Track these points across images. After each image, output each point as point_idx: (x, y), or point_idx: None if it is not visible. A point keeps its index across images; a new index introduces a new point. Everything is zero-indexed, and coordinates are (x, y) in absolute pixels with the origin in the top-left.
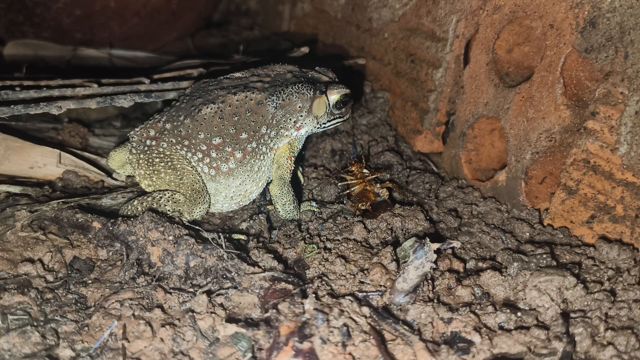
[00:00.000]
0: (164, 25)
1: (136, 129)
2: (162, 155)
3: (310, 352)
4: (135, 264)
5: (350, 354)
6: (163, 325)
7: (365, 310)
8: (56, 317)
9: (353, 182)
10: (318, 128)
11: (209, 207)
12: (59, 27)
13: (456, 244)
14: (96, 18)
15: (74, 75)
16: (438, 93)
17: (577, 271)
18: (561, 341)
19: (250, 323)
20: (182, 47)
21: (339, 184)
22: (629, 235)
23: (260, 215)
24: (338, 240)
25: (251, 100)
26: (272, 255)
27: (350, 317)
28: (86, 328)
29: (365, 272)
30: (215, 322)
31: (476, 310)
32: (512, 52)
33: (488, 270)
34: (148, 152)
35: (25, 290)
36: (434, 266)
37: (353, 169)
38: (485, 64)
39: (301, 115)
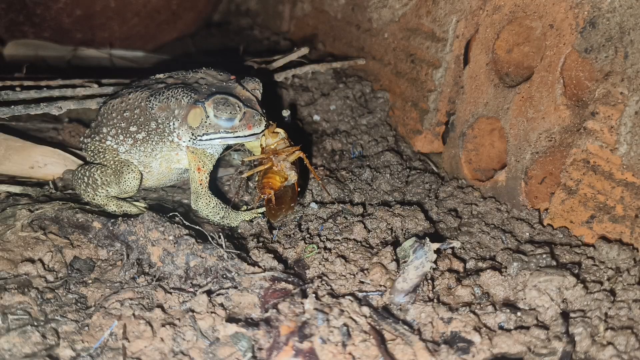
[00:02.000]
0: (164, 25)
1: (84, 134)
2: (93, 149)
3: (310, 351)
4: (135, 263)
5: (350, 353)
6: (163, 325)
7: (365, 310)
8: (56, 317)
9: (260, 160)
10: (194, 141)
11: (140, 178)
12: (59, 27)
13: (456, 244)
14: (96, 18)
15: (74, 75)
16: (438, 93)
17: (576, 271)
18: (561, 341)
19: (251, 323)
20: (182, 47)
21: (244, 160)
22: (629, 235)
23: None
24: (338, 240)
25: (140, 99)
26: (272, 255)
27: (350, 317)
28: (86, 328)
29: (365, 272)
30: (215, 322)
31: (476, 310)
32: (512, 52)
33: (488, 270)
34: (87, 149)
35: (26, 290)
36: (434, 266)
37: (264, 141)
38: (485, 64)
39: (175, 122)
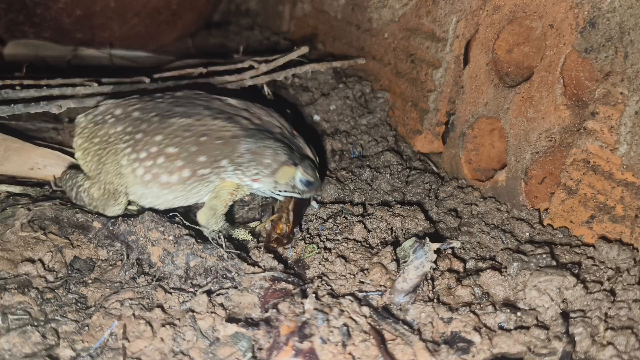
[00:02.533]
0: (164, 25)
1: (108, 101)
2: (105, 138)
3: (310, 351)
4: (135, 263)
5: (350, 353)
6: (163, 325)
7: (365, 310)
8: (56, 317)
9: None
10: (271, 192)
11: (123, 209)
12: (60, 27)
13: (456, 243)
14: (96, 18)
15: (74, 75)
16: (438, 93)
17: (576, 271)
18: (561, 341)
19: (251, 323)
20: (182, 47)
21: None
22: (629, 235)
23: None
24: (338, 240)
25: (228, 131)
26: (272, 255)
27: (350, 317)
28: (86, 328)
29: (365, 272)
30: (215, 322)
31: (476, 310)
32: (512, 52)
33: (488, 270)
34: (100, 125)
35: (26, 290)
36: (434, 266)
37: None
38: (485, 64)
39: (264, 172)
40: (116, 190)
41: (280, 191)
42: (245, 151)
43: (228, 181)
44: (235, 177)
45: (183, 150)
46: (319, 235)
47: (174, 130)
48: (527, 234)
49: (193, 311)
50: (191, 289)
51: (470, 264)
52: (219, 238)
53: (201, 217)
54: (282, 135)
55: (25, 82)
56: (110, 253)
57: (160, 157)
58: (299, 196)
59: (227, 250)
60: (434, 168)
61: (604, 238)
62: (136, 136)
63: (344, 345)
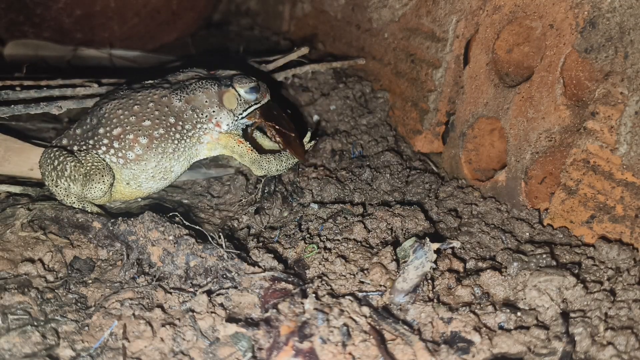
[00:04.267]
0: (164, 25)
1: (53, 142)
2: (75, 157)
3: (310, 351)
4: (135, 263)
5: (350, 353)
6: (163, 325)
7: (365, 310)
8: (56, 317)
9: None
10: (237, 120)
11: (108, 188)
12: (60, 27)
13: (456, 243)
14: (96, 18)
15: (74, 75)
16: (438, 93)
17: (577, 271)
18: (561, 341)
19: (251, 323)
20: (182, 47)
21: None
22: (629, 235)
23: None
24: (338, 240)
25: (155, 95)
26: (272, 255)
27: (350, 317)
28: (86, 328)
29: (365, 272)
30: (215, 322)
31: (476, 310)
32: (512, 52)
33: (488, 270)
34: (60, 157)
35: (26, 290)
36: (434, 266)
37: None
38: (485, 64)
39: (213, 111)
40: (103, 168)
41: (242, 115)
42: (179, 102)
43: (221, 139)
44: (204, 131)
45: (125, 124)
46: (319, 235)
47: (109, 117)
48: (527, 234)
49: (193, 311)
50: (191, 289)
51: (470, 264)
52: (219, 238)
53: (258, 172)
54: (200, 77)
55: (25, 82)
56: (110, 253)
57: (114, 142)
58: (259, 105)
59: (227, 250)
60: (434, 168)
61: (604, 238)
62: (90, 142)
63: (344, 345)
